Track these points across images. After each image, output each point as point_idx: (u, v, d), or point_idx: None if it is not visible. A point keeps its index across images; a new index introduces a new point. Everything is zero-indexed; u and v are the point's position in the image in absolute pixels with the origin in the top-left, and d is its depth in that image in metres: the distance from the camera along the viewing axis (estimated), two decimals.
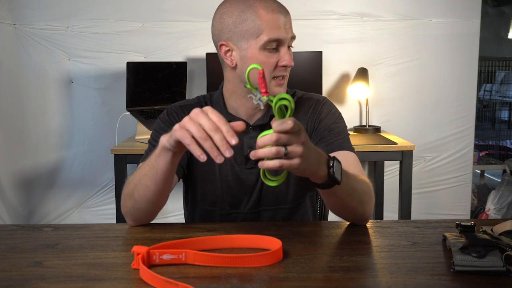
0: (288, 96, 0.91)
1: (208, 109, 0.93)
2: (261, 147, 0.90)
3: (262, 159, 0.91)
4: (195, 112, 0.94)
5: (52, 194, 3.03)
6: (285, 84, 1.27)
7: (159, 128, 1.32)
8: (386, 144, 2.55)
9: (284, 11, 1.22)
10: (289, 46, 1.24)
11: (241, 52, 1.22)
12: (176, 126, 0.95)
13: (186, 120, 0.94)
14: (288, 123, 0.87)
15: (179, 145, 0.99)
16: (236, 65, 1.24)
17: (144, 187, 1.11)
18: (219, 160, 0.89)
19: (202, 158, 0.91)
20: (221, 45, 1.24)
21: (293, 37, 1.24)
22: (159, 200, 1.15)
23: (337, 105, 1.38)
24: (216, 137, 0.90)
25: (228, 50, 1.23)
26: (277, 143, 0.88)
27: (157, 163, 1.06)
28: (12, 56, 2.88)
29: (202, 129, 0.91)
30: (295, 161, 0.90)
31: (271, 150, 0.89)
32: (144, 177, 1.11)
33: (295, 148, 0.90)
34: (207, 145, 0.90)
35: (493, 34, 6.11)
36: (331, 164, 0.99)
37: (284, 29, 1.20)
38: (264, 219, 1.33)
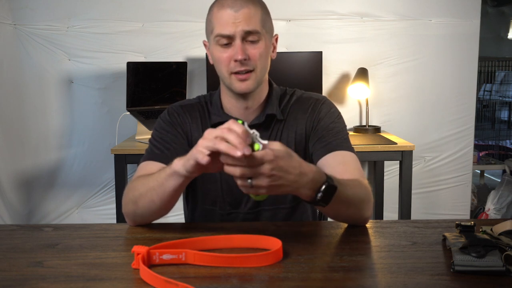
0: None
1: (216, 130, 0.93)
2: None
3: None
4: (207, 132, 0.94)
5: (52, 194, 3.03)
6: (254, 79, 1.23)
7: (160, 128, 1.32)
8: (386, 144, 2.55)
9: (237, 6, 1.19)
10: (251, 41, 1.20)
11: (210, 49, 1.27)
12: (193, 150, 0.96)
13: (200, 141, 0.94)
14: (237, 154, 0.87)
15: (197, 169, 0.98)
16: (213, 62, 1.28)
17: (149, 200, 1.11)
18: (239, 153, 0.88)
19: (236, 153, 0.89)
20: (205, 45, 1.31)
21: (249, 31, 1.19)
22: (163, 212, 1.16)
23: (337, 105, 1.38)
24: (231, 137, 0.89)
25: (208, 49, 1.29)
26: (241, 177, 0.90)
27: (167, 183, 1.06)
28: (12, 56, 2.88)
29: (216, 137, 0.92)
30: (262, 191, 0.92)
31: (238, 183, 0.91)
32: (151, 191, 1.10)
33: (260, 182, 0.90)
34: (223, 146, 0.89)
35: (493, 34, 6.11)
36: (322, 189, 0.99)
37: (231, 23, 1.18)
38: (264, 219, 1.33)
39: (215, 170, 0.98)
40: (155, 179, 1.10)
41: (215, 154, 0.93)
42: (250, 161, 0.88)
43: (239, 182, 0.91)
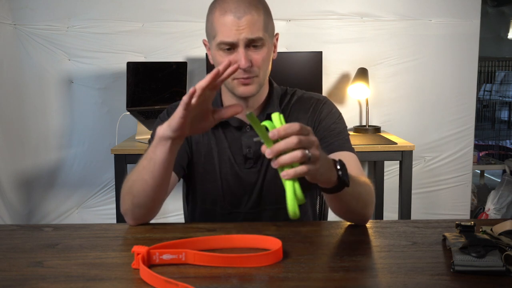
0: (275, 115, 0.91)
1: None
2: (276, 150, 0.85)
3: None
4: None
5: (52, 194, 3.03)
6: (256, 83, 1.23)
7: None
8: (386, 144, 2.55)
9: (240, 12, 1.17)
10: (253, 46, 1.20)
11: (212, 53, 1.25)
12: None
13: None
14: (295, 125, 0.85)
15: (181, 126, 1.00)
16: (214, 64, 1.27)
17: (142, 181, 1.11)
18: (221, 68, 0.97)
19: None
20: (205, 44, 1.30)
21: (252, 39, 1.18)
22: (157, 195, 1.14)
23: (337, 105, 1.38)
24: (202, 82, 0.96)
25: (209, 49, 1.28)
26: (298, 145, 0.84)
27: (155, 154, 1.07)
28: (12, 56, 2.88)
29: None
30: (317, 165, 0.88)
31: (296, 154, 0.84)
32: (142, 170, 1.11)
33: (315, 151, 0.88)
34: (202, 82, 0.96)
35: (493, 34, 6.11)
36: (338, 167, 0.99)
37: (235, 31, 1.17)
38: (264, 219, 1.33)
39: (202, 130, 1.04)
40: (144, 158, 1.11)
41: (202, 113, 0.99)
42: (300, 130, 0.85)
43: (299, 154, 0.84)
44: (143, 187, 1.12)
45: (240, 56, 1.18)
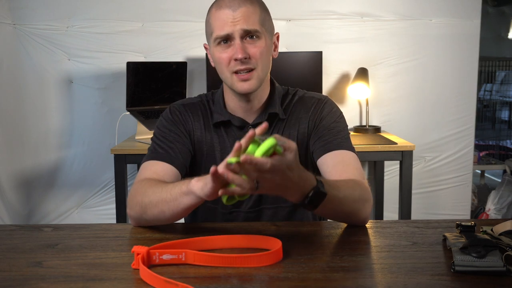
0: (271, 141, 0.88)
1: None
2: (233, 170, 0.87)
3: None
4: None
5: (52, 194, 3.03)
6: (255, 78, 1.22)
7: (163, 127, 1.32)
8: (386, 144, 2.54)
9: (235, 5, 1.18)
10: (250, 39, 1.20)
11: (211, 51, 1.26)
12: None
13: None
14: (267, 167, 0.86)
15: (215, 191, 0.95)
16: (214, 64, 1.27)
17: (159, 210, 1.10)
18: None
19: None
20: (205, 47, 1.31)
21: (248, 30, 1.18)
22: (171, 222, 1.15)
23: (337, 105, 1.38)
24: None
25: (209, 51, 1.28)
26: (254, 179, 0.88)
27: (182, 200, 1.05)
28: (12, 56, 2.88)
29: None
30: (258, 192, 0.92)
31: (244, 184, 0.88)
32: (162, 202, 1.09)
33: (266, 187, 0.91)
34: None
35: (493, 34, 6.11)
36: (309, 195, 0.98)
37: (230, 23, 1.18)
38: (265, 218, 1.33)
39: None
40: (168, 192, 1.08)
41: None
42: (270, 169, 0.86)
43: (246, 184, 0.88)
44: (159, 215, 1.11)
45: (236, 48, 1.19)
